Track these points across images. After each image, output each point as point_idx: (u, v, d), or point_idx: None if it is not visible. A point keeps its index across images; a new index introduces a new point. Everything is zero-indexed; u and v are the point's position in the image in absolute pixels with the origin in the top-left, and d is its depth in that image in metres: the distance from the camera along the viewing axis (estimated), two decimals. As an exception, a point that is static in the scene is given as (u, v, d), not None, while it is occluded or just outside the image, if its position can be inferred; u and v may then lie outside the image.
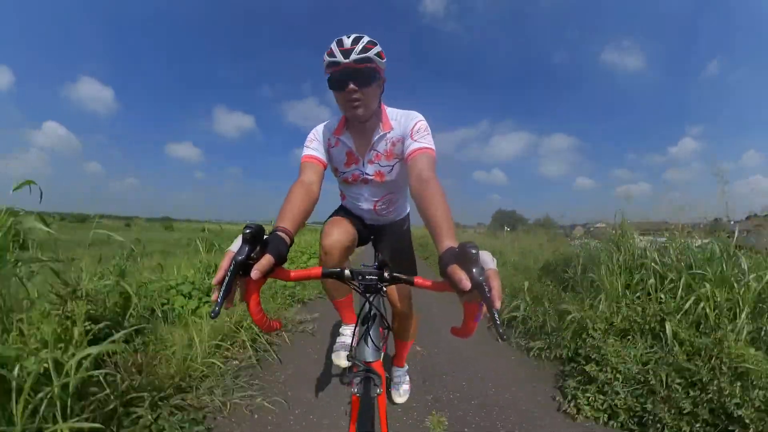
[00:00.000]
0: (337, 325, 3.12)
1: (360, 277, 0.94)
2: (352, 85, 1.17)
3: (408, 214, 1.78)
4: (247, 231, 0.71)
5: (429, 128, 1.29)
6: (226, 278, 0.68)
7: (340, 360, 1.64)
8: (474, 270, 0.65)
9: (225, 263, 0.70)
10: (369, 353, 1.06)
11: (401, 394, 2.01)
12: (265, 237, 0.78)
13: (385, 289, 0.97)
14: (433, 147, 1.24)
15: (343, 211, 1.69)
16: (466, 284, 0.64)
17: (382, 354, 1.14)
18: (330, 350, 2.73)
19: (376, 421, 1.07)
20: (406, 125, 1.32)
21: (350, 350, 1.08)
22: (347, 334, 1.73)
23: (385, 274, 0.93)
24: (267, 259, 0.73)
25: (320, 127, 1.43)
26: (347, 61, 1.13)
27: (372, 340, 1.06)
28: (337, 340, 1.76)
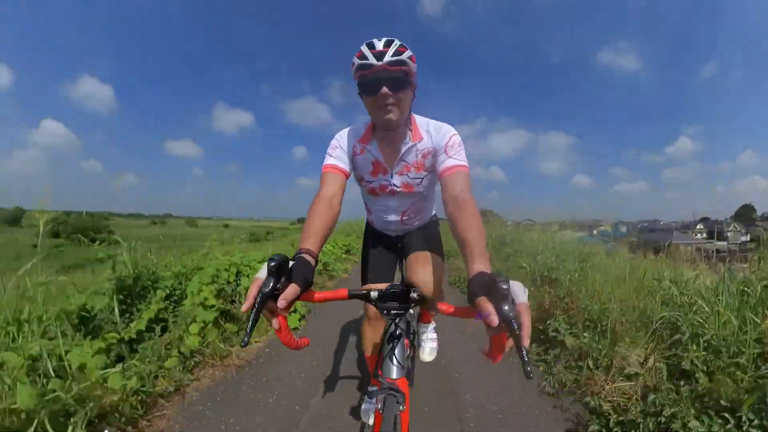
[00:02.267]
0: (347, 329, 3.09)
1: (386, 300, 0.91)
2: (385, 89, 1.06)
3: (434, 215, 1.66)
4: (272, 263, 0.71)
5: (462, 143, 1.20)
6: (254, 308, 0.69)
7: (369, 419, 1.51)
8: (504, 306, 0.60)
9: (253, 291, 0.71)
10: (393, 371, 1.01)
11: (428, 352, 1.85)
12: (290, 263, 0.77)
13: (411, 311, 0.93)
14: (467, 164, 1.16)
15: (373, 251, 1.61)
16: (494, 320, 0.60)
17: (405, 371, 1.09)
18: (335, 353, 2.66)
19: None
20: (438, 138, 1.22)
21: (375, 368, 1.04)
22: (373, 399, 1.64)
23: (413, 294, 0.90)
24: (293, 289, 0.73)
25: (344, 133, 1.31)
26: (380, 63, 1.03)
27: (397, 359, 1.01)
28: (366, 399, 1.63)
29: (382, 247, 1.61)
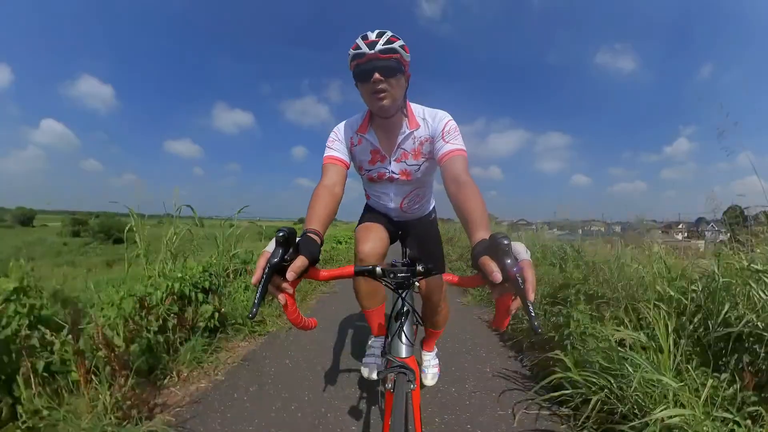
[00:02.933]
0: (348, 319, 3.06)
1: (392, 275, 0.90)
2: (377, 75, 1.09)
3: (434, 208, 1.68)
4: (280, 234, 0.71)
5: (458, 128, 1.21)
6: (263, 280, 0.68)
7: (371, 374, 1.56)
8: (507, 261, 0.59)
9: (261, 263, 0.70)
10: (402, 349, 0.99)
11: (430, 377, 1.82)
12: (297, 239, 0.77)
13: (417, 284, 0.91)
14: (465, 148, 1.17)
15: (371, 213, 1.60)
16: (497, 276, 0.59)
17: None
18: (338, 345, 2.62)
19: (410, 416, 1.00)
20: (435, 125, 1.24)
21: (383, 348, 1.02)
22: (377, 346, 1.62)
23: (418, 267, 0.88)
24: (301, 261, 0.72)
25: (342, 126, 1.34)
26: (372, 52, 1.07)
27: (405, 336, 0.99)
28: (366, 353, 1.67)
29: (380, 214, 1.60)
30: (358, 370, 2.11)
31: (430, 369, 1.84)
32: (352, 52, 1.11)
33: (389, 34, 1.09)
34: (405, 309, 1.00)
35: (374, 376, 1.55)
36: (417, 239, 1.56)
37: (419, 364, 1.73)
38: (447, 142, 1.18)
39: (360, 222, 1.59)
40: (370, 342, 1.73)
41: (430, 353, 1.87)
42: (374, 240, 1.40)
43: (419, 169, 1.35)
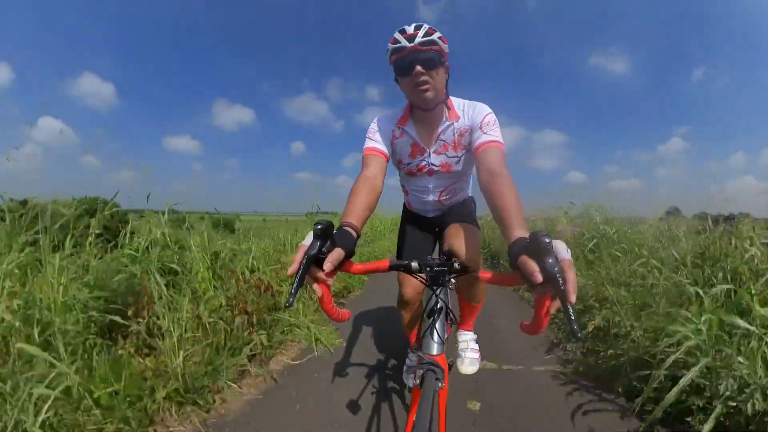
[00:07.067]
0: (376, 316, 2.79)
1: (428, 269, 0.80)
2: (419, 68, 1.01)
3: (471, 197, 1.52)
4: (318, 227, 0.67)
5: (498, 121, 1.11)
6: (300, 271, 0.64)
7: (410, 381, 1.44)
8: (548, 261, 0.52)
9: (299, 256, 0.65)
10: (434, 346, 0.89)
11: (467, 364, 1.47)
12: (333, 232, 0.72)
13: (453, 281, 0.81)
14: (503, 141, 1.06)
15: (409, 231, 1.48)
16: (538, 277, 0.53)
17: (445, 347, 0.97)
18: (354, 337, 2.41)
19: (435, 415, 0.91)
20: (474, 116, 1.13)
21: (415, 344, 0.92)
22: (414, 359, 1.45)
23: (455, 265, 0.79)
24: (338, 253, 0.68)
25: (383, 118, 1.22)
26: (412, 45, 0.99)
27: (437, 333, 0.89)
28: (407, 362, 1.56)
29: (419, 227, 1.49)
30: (386, 365, 1.96)
31: (468, 352, 1.50)
32: (391, 46, 1.03)
33: (427, 26, 1.01)
34: (439, 306, 0.91)
35: (411, 383, 1.40)
36: (452, 216, 1.39)
37: (455, 347, 1.56)
38: (485, 133, 1.08)
39: (399, 245, 1.50)
40: (409, 354, 1.60)
41: (468, 333, 1.55)
42: (415, 280, 1.24)
43: (459, 161, 1.25)
